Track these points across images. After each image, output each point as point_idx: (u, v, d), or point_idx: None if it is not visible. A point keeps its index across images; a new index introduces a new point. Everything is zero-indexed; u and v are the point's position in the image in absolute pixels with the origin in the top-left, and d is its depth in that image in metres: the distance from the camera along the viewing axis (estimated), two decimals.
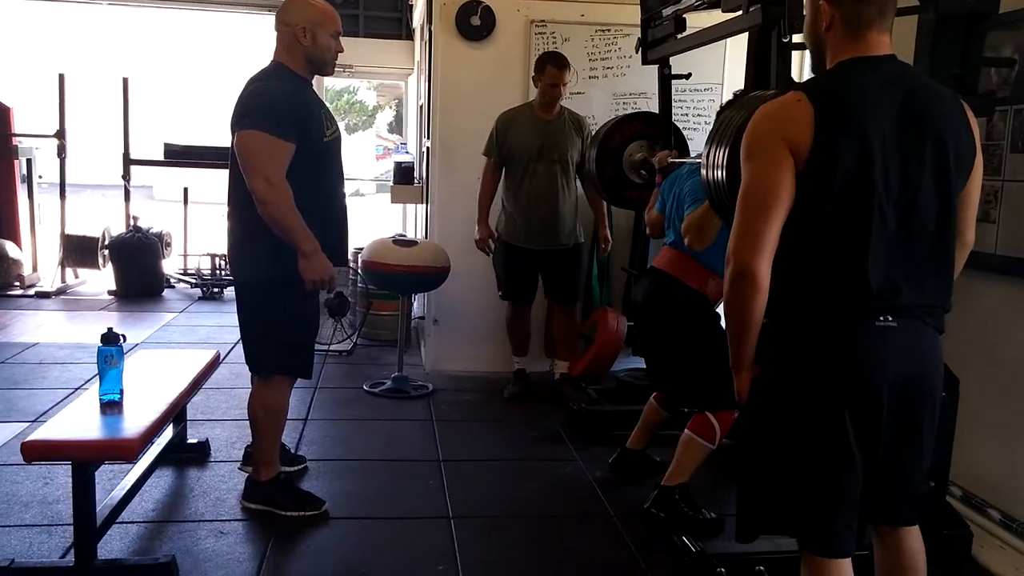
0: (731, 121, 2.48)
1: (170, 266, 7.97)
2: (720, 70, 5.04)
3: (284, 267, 2.77)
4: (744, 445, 1.95)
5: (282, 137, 2.66)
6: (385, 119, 22.94)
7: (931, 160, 1.69)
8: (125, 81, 7.80)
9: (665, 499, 3.04)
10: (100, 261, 7.57)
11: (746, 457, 1.95)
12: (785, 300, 1.81)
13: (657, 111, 4.04)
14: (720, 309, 3.13)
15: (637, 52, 3.79)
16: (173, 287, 7.88)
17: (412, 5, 7.80)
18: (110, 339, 2.72)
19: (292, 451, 3.54)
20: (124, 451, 2.47)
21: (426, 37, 5.40)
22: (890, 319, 1.71)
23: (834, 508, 1.78)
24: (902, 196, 1.69)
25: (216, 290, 7.61)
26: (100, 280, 7.74)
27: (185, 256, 8.28)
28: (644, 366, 3.76)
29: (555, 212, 4.38)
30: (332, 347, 5.48)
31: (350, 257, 6.34)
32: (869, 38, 1.73)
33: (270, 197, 2.65)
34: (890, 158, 1.67)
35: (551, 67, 4.28)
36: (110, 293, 7.36)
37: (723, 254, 2.97)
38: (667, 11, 3.49)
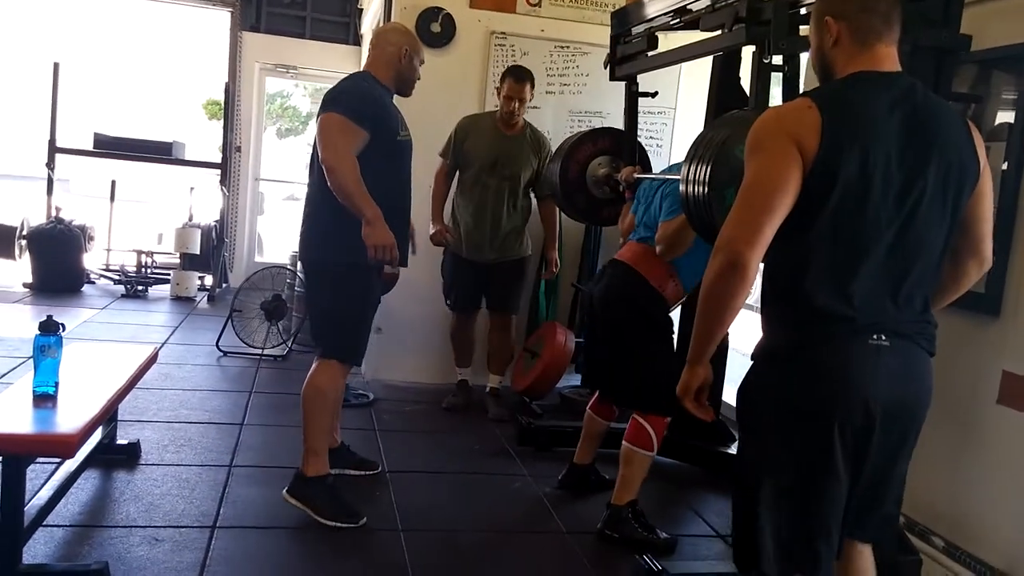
0: (712, 139, 2.49)
1: (92, 261, 7.61)
2: (674, 94, 5.10)
3: (347, 252, 2.89)
4: (738, 470, 1.90)
5: (357, 122, 2.85)
6: None
7: (933, 178, 1.69)
8: (56, 66, 7.44)
9: (617, 519, 3.01)
10: (16, 251, 7.17)
11: (740, 482, 1.89)
12: (779, 311, 1.79)
13: (613, 127, 4.05)
14: (675, 314, 3.16)
15: (605, 68, 3.79)
16: (94, 283, 7.52)
17: (362, 10, 7.70)
18: (49, 327, 2.55)
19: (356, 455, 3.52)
20: (62, 446, 2.30)
21: None
22: (883, 338, 1.70)
23: (820, 528, 1.76)
24: (900, 212, 1.68)
25: (141, 288, 7.28)
26: (15, 272, 7.32)
27: (108, 251, 7.93)
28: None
29: (497, 228, 4.33)
30: (266, 351, 5.31)
31: (289, 261, 6.19)
32: (877, 50, 1.73)
33: (338, 165, 2.80)
34: (892, 175, 1.67)
35: (509, 79, 4.22)
36: (25, 286, 6.96)
37: (691, 260, 3.02)
38: (639, 28, 3.50)
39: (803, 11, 2.73)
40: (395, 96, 3.14)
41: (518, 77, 4.21)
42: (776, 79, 2.71)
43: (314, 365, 3.09)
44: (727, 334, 3.77)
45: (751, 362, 1.85)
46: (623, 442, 3.04)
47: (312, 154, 3.01)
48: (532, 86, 4.28)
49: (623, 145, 3.87)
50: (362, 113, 2.87)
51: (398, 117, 3.07)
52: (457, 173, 4.42)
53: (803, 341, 1.75)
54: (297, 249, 3.18)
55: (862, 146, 1.65)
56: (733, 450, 3.79)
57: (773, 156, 1.67)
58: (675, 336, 3.19)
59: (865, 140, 1.66)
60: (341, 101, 2.89)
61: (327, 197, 2.87)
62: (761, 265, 1.75)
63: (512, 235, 4.39)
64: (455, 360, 4.62)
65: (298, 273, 5.73)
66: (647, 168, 3.79)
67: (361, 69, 3.13)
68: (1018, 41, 2.55)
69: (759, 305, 1.86)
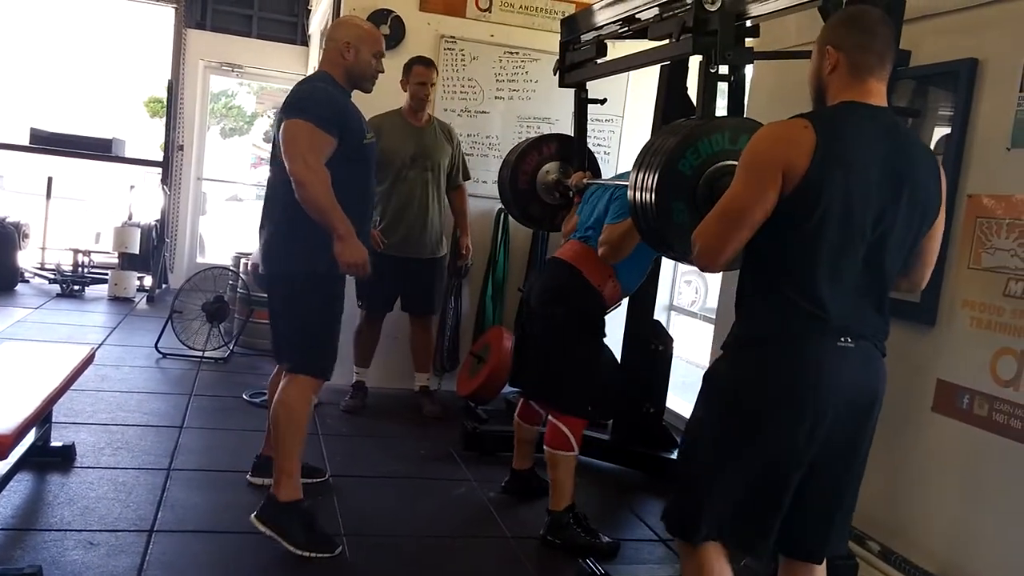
0: (661, 147, 2.52)
1: (26, 260, 7.39)
2: (622, 102, 5.15)
3: (318, 262, 2.78)
4: (688, 447, 2.03)
5: (325, 129, 2.74)
6: (262, 127, 22.20)
7: (904, 207, 1.83)
8: None
9: (558, 525, 3.02)
10: None
11: (687, 457, 2.01)
12: (759, 305, 1.91)
13: (558, 133, 4.07)
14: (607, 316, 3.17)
15: (555, 74, 3.81)
16: (28, 282, 7.32)
17: (310, 10, 7.63)
18: None
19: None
20: None
21: None
22: (849, 340, 1.84)
23: (775, 510, 1.87)
24: (873, 234, 1.83)
25: (77, 288, 7.09)
26: None
27: (44, 250, 7.72)
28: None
29: (424, 220, 4.34)
30: (207, 354, 5.21)
31: (231, 262, 6.09)
32: (869, 84, 1.86)
33: (308, 179, 2.69)
34: (871, 199, 1.80)
35: (418, 66, 4.29)
36: None
37: (631, 264, 3.05)
38: (588, 36, 3.53)
39: (748, 23, 2.79)
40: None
41: (426, 63, 4.33)
42: (722, 89, 2.77)
43: (284, 382, 2.92)
44: (672, 343, 3.85)
45: (722, 350, 1.96)
46: (544, 447, 3.06)
47: (273, 157, 2.89)
48: (436, 72, 4.40)
49: (570, 150, 3.89)
50: (329, 119, 2.75)
51: (361, 119, 2.97)
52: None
53: (780, 336, 1.87)
54: (260, 260, 3.00)
55: (848, 170, 1.79)
56: (674, 455, 3.84)
57: (757, 178, 1.81)
58: (605, 339, 3.17)
59: (851, 165, 1.79)
60: (306, 107, 2.76)
61: (293, 202, 2.74)
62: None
63: (437, 228, 4.41)
64: (355, 359, 4.57)
65: (241, 275, 5.65)
66: (597, 174, 3.81)
67: (317, 69, 3.01)
68: (952, 58, 2.64)
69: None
